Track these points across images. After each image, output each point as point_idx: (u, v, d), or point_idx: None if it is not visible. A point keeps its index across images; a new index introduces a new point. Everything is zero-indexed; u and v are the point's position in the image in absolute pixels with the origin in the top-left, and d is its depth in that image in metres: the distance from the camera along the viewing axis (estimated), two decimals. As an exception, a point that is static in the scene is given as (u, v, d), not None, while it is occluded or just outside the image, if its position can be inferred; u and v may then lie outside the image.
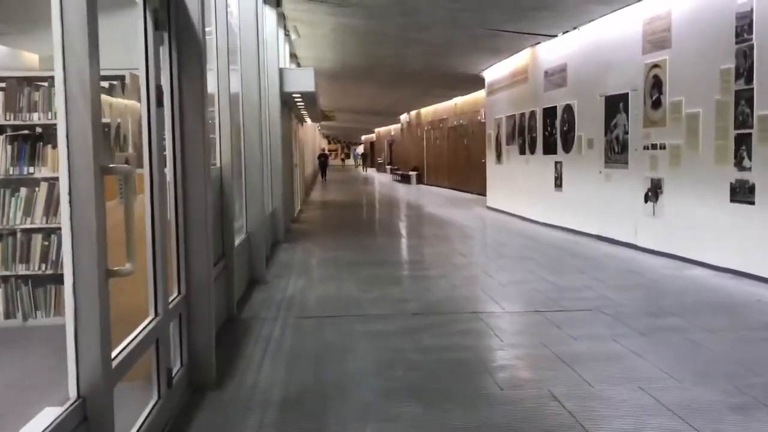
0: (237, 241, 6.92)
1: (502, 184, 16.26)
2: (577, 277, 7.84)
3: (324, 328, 5.60)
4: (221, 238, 6.04)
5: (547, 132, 13.13)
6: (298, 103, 13.61)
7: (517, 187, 14.94)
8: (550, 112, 12.96)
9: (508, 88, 15.63)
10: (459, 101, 25.08)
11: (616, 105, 10.41)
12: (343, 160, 72.10)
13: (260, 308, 6.46)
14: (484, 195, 20.75)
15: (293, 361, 4.73)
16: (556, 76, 12.68)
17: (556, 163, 12.72)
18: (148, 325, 3.53)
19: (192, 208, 4.27)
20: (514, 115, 15.08)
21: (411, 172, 32.28)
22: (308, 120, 22.52)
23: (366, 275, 8.13)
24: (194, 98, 4.22)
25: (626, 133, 10.14)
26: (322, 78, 18.71)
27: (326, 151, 48.54)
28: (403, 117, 36.18)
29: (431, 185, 29.50)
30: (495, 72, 16.75)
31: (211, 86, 6.19)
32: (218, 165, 6.06)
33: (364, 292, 7.15)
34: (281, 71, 11.17)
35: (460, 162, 25.24)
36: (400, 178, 35.33)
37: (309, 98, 12.40)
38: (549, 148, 13.04)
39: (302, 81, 11.26)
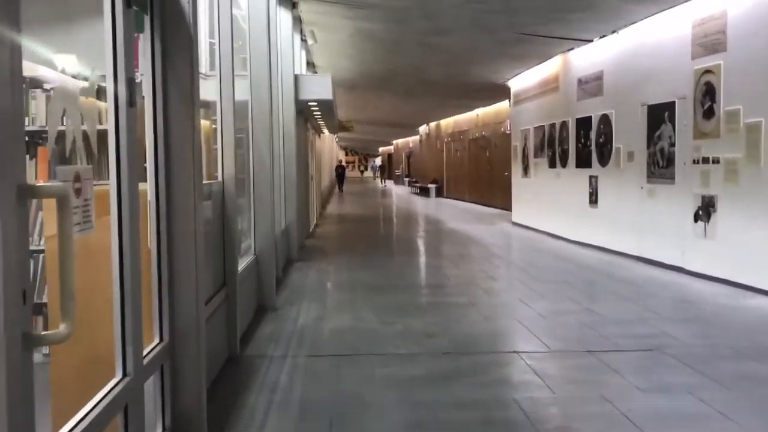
0: (242, 265, 6.13)
1: (530, 199, 15.36)
2: (626, 308, 6.94)
3: (340, 372, 4.75)
4: (222, 263, 5.24)
5: (580, 144, 12.24)
6: (314, 113, 12.84)
7: (547, 203, 14.04)
8: (583, 123, 12.08)
9: (537, 98, 14.77)
10: (481, 112, 24.24)
11: (660, 115, 9.52)
12: (361, 172, 71.24)
13: (267, 344, 5.63)
14: (508, 210, 19.88)
15: (302, 420, 3.89)
16: (591, 85, 11.81)
17: (590, 177, 11.82)
18: (112, 389, 2.71)
19: (178, 234, 3.46)
20: (543, 126, 14.21)
21: (430, 185, 31.44)
22: (325, 131, 21.77)
23: (386, 302, 7.29)
24: (182, 98, 3.43)
25: (672, 145, 9.24)
26: (340, 88, 17.98)
27: (343, 163, 48.27)
28: (422, 128, 35.40)
29: (451, 198, 28.63)
30: (521, 81, 15.90)
31: (214, 91, 5.42)
32: (220, 179, 5.26)
33: (385, 323, 6.30)
34: (297, 78, 10.41)
35: (481, 175, 24.36)
36: (418, 190, 34.51)
37: (326, 107, 11.63)
38: (583, 161, 12.15)
39: (319, 88, 10.49)
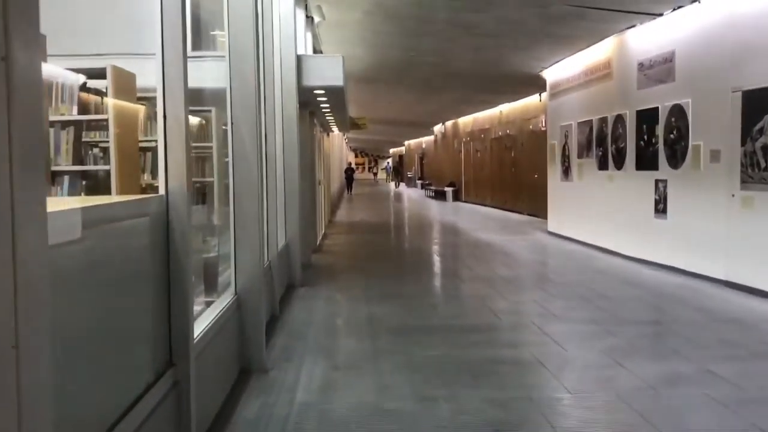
0: (212, 317, 4.11)
1: (571, 206, 13.27)
2: (760, 368, 4.88)
3: None
4: (167, 331, 3.20)
5: (642, 141, 10.15)
6: (322, 105, 10.80)
7: (596, 211, 11.95)
8: (647, 116, 9.99)
9: (581, 89, 12.68)
10: (505, 109, 22.15)
11: (761, 103, 7.44)
12: (375, 174, 68.59)
13: (245, 448, 3.60)
14: (539, 216, 17.85)
15: None
16: (658, 69, 9.72)
17: (657, 181, 9.72)
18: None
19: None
20: (591, 120, 12.12)
21: (447, 188, 29.34)
22: (335, 129, 19.73)
23: (421, 358, 5.24)
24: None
25: (783, 141, 7.15)
26: (351, 81, 15.93)
27: (352, 165, 46.81)
28: (437, 128, 33.31)
29: (470, 203, 26.53)
30: (560, 70, 13.82)
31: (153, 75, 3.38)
32: (162, 193, 3.22)
33: (424, 401, 4.26)
34: (299, 60, 8.39)
35: (505, 177, 22.26)
36: (433, 194, 32.41)
37: (336, 97, 9.60)
38: (646, 162, 10.05)
39: (328, 72, 8.45)
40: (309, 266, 10.03)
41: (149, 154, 4.72)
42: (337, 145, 28.19)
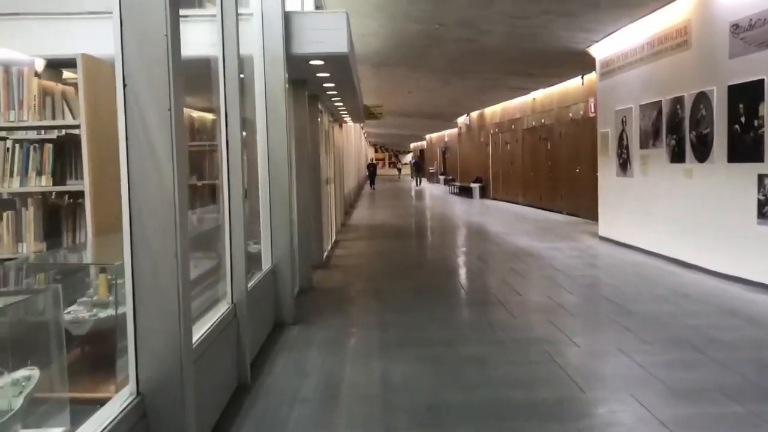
0: None
1: (631, 206, 10.95)
2: None
3: None
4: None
5: (737, 126, 7.83)
6: (324, 84, 8.58)
7: (665, 213, 9.64)
8: (744, 92, 7.68)
9: (644, 64, 10.37)
10: (539, 95, 19.81)
11: None
12: (399, 170, 65.95)
13: None
14: (581, 216, 15.61)
15: None
16: (761, 30, 7.41)
17: (761, 177, 7.41)
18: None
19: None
20: (658, 102, 9.82)
21: (473, 185, 27.03)
22: (348, 119, 17.54)
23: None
24: None
25: None
26: (364, 65, 13.77)
27: (374, 161, 46.90)
28: (462, 119, 30.96)
29: (499, 200, 24.21)
30: (615, 43, 11.51)
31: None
32: None
33: None
34: (287, 18, 6.20)
35: (540, 172, 19.93)
36: (457, 190, 30.12)
37: (340, 69, 7.38)
38: (743, 152, 7.74)
39: (326, 34, 6.25)
40: (309, 290, 7.88)
41: None
42: (354, 139, 26.03)
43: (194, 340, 3.50)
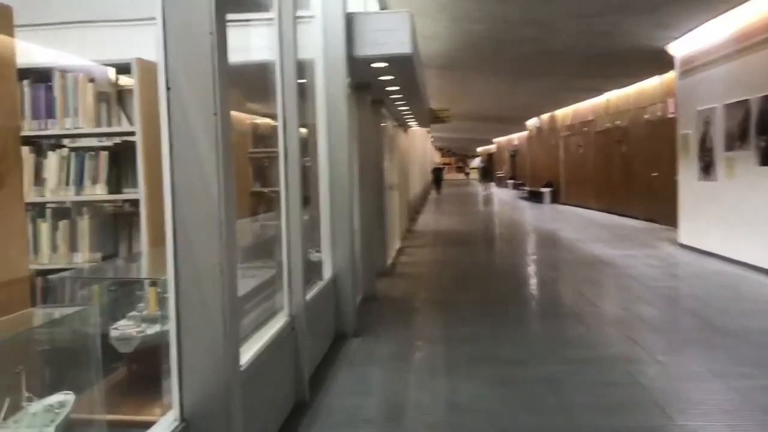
0: None
1: (715, 212, 10.27)
2: None
3: None
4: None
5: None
6: (388, 88, 8.34)
7: (754, 219, 8.96)
8: None
9: (730, 60, 9.71)
10: (613, 96, 19.07)
11: None
12: (467, 174, 65.14)
13: None
14: (658, 222, 14.87)
15: None
16: None
17: None
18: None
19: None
20: (746, 101, 9.15)
21: (543, 189, 26.33)
22: (414, 124, 17.28)
23: None
24: None
25: None
26: (429, 69, 13.47)
27: (440, 165, 47.30)
28: (531, 122, 30.26)
29: (570, 205, 23.46)
30: (696, 40, 10.85)
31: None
32: None
33: None
34: (350, 19, 5.99)
35: (614, 176, 19.17)
36: (527, 195, 29.41)
37: (403, 72, 7.12)
38: None
39: (388, 36, 6.01)
40: (373, 299, 7.64)
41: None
42: (420, 144, 25.76)
43: (248, 357, 3.30)
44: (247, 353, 3.37)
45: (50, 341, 2.27)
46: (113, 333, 3.01)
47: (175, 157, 2.49)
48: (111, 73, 4.17)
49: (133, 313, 3.29)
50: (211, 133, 2.49)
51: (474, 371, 4.99)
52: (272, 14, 4.43)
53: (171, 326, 2.53)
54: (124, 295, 3.76)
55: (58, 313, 2.54)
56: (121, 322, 3.22)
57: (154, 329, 3.06)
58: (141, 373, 3.06)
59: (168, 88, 2.47)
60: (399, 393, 4.62)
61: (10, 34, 2.71)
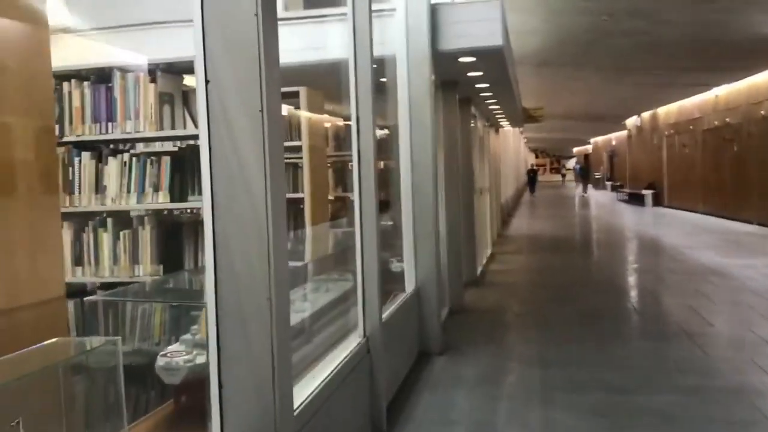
0: None
1: None
2: None
3: None
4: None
5: None
6: (477, 85, 7.81)
7: None
8: None
9: None
10: (722, 92, 17.70)
11: None
12: (563, 176, 63.21)
13: None
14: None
15: None
16: None
17: None
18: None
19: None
20: None
21: (645, 191, 24.91)
22: (505, 124, 16.61)
23: None
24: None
25: None
26: (523, 66, 12.78)
27: (535, 167, 46.55)
28: (631, 121, 28.77)
29: (674, 208, 22.03)
30: (825, 24, 9.72)
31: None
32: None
33: None
34: (434, 11, 5.54)
35: (725, 177, 17.78)
36: (627, 197, 27.96)
37: (493, 66, 6.57)
38: None
39: (476, 27, 5.51)
40: (461, 311, 7.14)
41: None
42: (512, 144, 24.93)
43: (314, 387, 2.91)
44: (315, 381, 2.99)
45: (65, 382, 1.94)
46: (159, 362, 2.70)
47: (215, 162, 2.12)
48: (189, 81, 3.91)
49: (186, 336, 2.97)
50: (257, 133, 2.10)
51: (573, 400, 4.41)
52: (346, 9, 4.05)
53: (211, 362, 2.15)
54: (182, 314, 3.46)
55: (89, 343, 2.21)
56: (172, 347, 2.91)
57: (204, 358, 2.71)
58: (190, 406, 2.72)
59: (207, 81, 2.11)
60: (487, 424, 4.12)
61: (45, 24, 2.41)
